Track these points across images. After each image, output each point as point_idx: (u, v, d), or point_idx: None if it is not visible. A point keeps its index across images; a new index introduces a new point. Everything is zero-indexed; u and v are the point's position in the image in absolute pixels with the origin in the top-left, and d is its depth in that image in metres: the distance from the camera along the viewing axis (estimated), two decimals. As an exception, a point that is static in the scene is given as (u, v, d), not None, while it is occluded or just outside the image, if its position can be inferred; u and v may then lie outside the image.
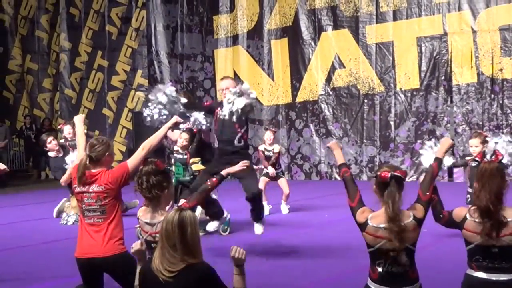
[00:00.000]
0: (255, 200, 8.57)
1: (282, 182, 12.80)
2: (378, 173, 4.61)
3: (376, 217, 4.61)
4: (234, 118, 8.40)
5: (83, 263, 5.63)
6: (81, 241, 5.65)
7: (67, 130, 12.28)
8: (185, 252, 4.00)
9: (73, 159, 10.42)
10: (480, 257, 4.59)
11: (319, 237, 10.29)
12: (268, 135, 12.95)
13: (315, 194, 15.65)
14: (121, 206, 5.80)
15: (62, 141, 12.26)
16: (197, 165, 10.29)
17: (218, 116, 8.60)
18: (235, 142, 8.52)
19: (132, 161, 5.65)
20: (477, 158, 9.27)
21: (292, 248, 9.44)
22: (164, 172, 5.19)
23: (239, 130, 8.51)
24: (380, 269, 4.58)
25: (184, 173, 10.24)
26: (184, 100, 8.44)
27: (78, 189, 5.62)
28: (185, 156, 10.37)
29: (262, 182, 12.50)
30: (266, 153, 12.80)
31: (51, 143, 11.94)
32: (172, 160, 10.76)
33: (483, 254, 4.57)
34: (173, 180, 9.90)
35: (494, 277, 4.57)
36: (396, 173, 4.55)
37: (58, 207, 12.57)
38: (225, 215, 9.50)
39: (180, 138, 10.43)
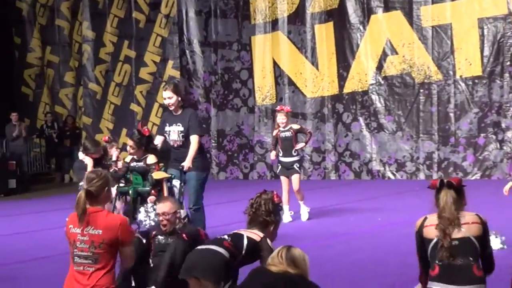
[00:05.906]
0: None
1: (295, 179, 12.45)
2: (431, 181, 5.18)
3: (433, 215, 5.12)
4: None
5: None
6: (67, 285, 5.58)
7: (115, 154, 11.38)
8: None
9: None
10: None
11: (373, 244, 10.21)
12: (280, 118, 12.60)
13: (366, 195, 15.58)
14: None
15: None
16: (158, 173, 9.91)
17: None
18: None
19: (125, 252, 5.53)
20: None
21: (342, 256, 9.37)
22: None
23: None
24: (440, 263, 4.91)
25: (143, 183, 9.90)
26: None
27: (72, 230, 5.59)
28: (144, 165, 9.95)
29: (284, 182, 12.40)
30: (282, 134, 12.52)
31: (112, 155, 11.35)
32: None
33: None
34: (131, 191, 9.78)
35: None
36: (447, 180, 5.03)
37: None
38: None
39: (127, 145, 10.12)
